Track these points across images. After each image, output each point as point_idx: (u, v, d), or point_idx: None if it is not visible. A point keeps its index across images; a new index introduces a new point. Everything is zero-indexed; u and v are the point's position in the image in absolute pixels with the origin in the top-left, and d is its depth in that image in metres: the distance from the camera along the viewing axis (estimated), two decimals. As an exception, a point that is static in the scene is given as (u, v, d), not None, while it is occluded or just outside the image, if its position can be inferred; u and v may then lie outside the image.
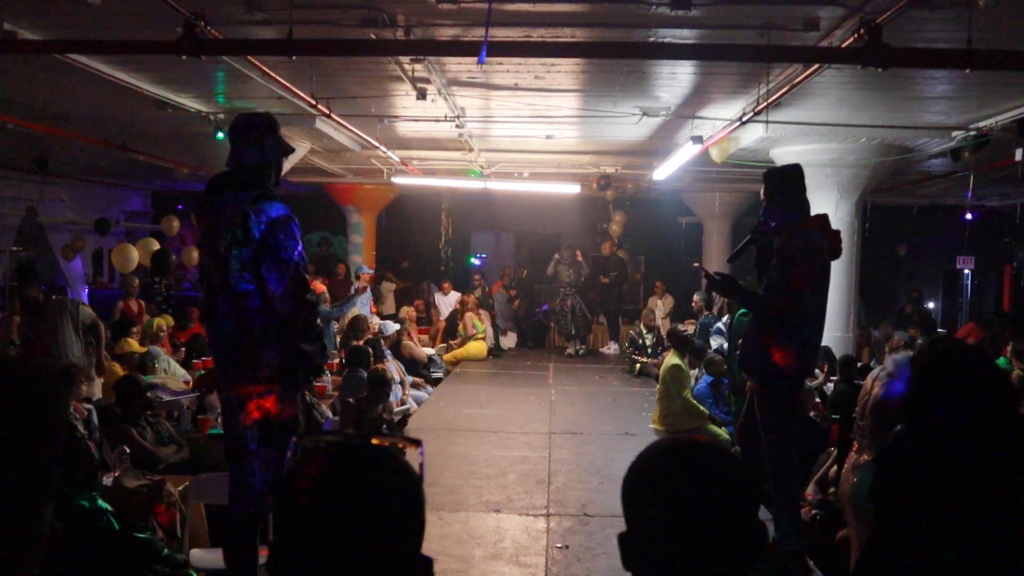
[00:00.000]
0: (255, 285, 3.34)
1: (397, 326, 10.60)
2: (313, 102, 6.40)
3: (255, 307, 3.36)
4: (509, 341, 13.71)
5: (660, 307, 13.94)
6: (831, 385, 7.57)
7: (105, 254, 14.66)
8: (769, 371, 4.49)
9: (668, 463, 1.31)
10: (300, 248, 3.39)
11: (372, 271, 13.35)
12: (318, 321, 3.53)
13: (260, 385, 3.39)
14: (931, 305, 15.08)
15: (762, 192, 4.62)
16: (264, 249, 3.31)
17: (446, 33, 5.25)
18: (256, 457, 3.42)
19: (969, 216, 13.35)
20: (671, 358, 7.70)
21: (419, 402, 8.90)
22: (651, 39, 5.17)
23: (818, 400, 7.14)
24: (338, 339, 10.23)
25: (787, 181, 4.56)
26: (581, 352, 12.85)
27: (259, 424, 3.40)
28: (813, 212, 4.57)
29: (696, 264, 5.52)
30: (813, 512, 5.05)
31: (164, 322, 9.94)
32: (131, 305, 10.29)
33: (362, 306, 12.23)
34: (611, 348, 13.56)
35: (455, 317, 12.70)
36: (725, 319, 8.69)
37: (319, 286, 10.39)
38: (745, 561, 1.27)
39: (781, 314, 4.37)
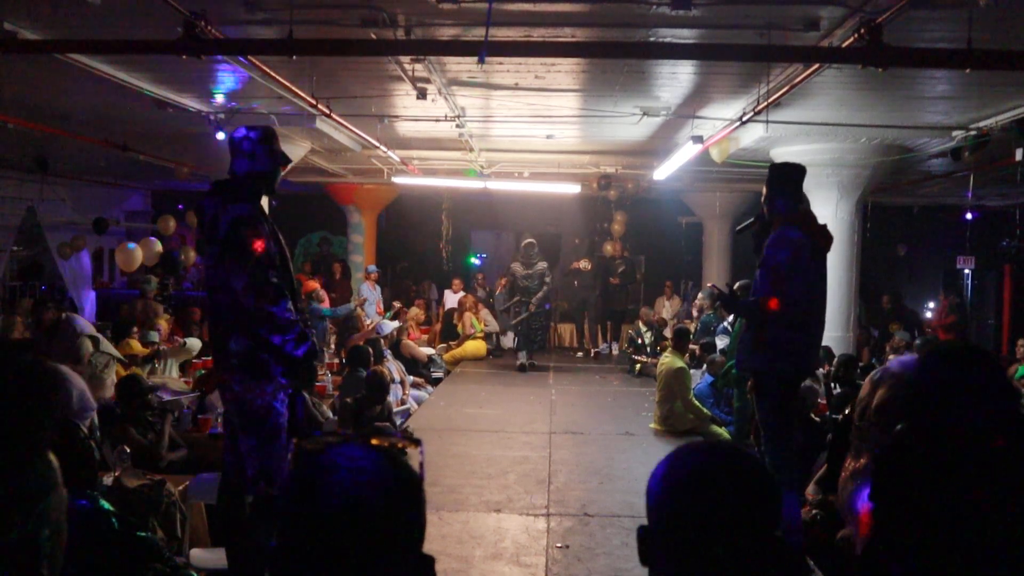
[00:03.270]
0: (223, 280, 3.62)
1: (395, 324, 10.61)
2: (313, 102, 6.40)
3: (224, 300, 3.65)
4: (510, 341, 13.69)
5: (668, 308, 13.89)
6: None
7: (106, 254, 14.66)
8: (763, 370, 4.59)
9: (700, 465, 1.32)
10: (264, 244, 3.60)
11: (378, 270, 13.39)
12: (292, 316, 3.61)
13: (231, 372, 3.66)
14: (931, 305, 15.06)
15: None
16: (227, 245, 3.58)
17: (446, 33, 5.25)
18: (242, 443, 3.68)
19: (969, 216, 13.34)
20: (674, 360, 7.67)
21: (419, 402, 8.90)
22: (651, 39, 5.17)
23: (821, 400, 7.13)
24: (332, 338, 10.26)
25: (781, 177, 4.71)
26: (528, 364, 11.13)
27: (236, 412, 3.69)
28: (814, 212, 4.63)
29: (710, 284, 5.78)
30: (813, 512, 5.04)
31: (162, 321, 9.96)
32: (136, 304, 10.30)
33: (368, 305, 12.27)
34: (603, 346, 13.49)
35: (449, 317, 12.70)
36: (730, 318, 8.69)
37: (312, 284, 10.41)
38: (761, 570, 1.27)
39: (768, 315, 4.47)
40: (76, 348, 7.07)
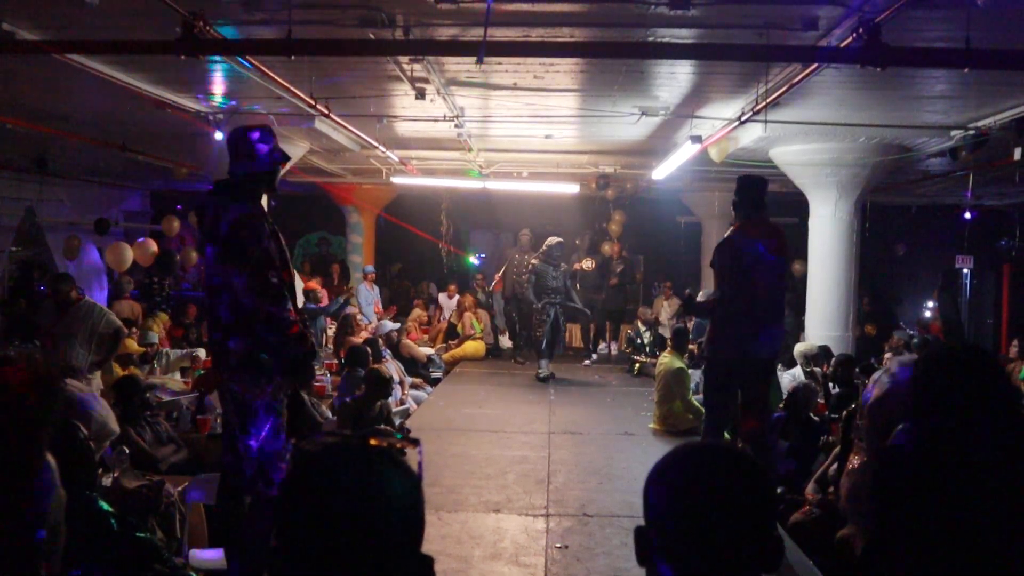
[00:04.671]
0: (223, 280, 3.62)
1: (395, 325, 10.61)
2: (312, 102, 6.40)
3: (224, 300, 3.65)
4: (508, 341, 13.66)
5: (666, 308, 13.81)
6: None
7: (104, 254, 14.64)
8: (708, 356, 5.49)
9: (697, 465, 1.32)
10: (264, 244, 3.62)
11: (375, 271, 13.39)
12: (291, 316, 3.63)
13: (231, 372, 3.67)
14: (930, 304, 15.08)
15: None
16: (227, 246, 3.58)
17: (445, 33, 5.25)
18: (241, 444, 3.69)
19: (968, 215, 13.35)
20: (673, 361, 7.67)
21: (419, 402, 8.90)
22: (650, 39, 5.17)
23: (820, 400, 7.12)
24: (324, 337, 10.26)
25: (741, 187, 5.34)
26: (544, 375, 10.17)
27: (235, 412, 3.69)
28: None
29: (687, 291, 6.32)
30: (813, 512, 5.05)
31: (159, 321, 9.98)
32: (122, 306, 10.24)
33: (366, 305, 12.27)
34: (602, 347, 13.41)
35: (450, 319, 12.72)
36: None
37: (312, 285, 10.42)
38: (759, 570, 1.27)
39: (715, 310, 5.34)
40: (106, 324, 7.07)
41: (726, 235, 5.30)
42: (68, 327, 7.01)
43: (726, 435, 5.83)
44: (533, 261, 10.64)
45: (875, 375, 3.81)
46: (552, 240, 10.65)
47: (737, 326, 5.17)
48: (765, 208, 5.31)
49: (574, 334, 13.90)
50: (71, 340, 6.98)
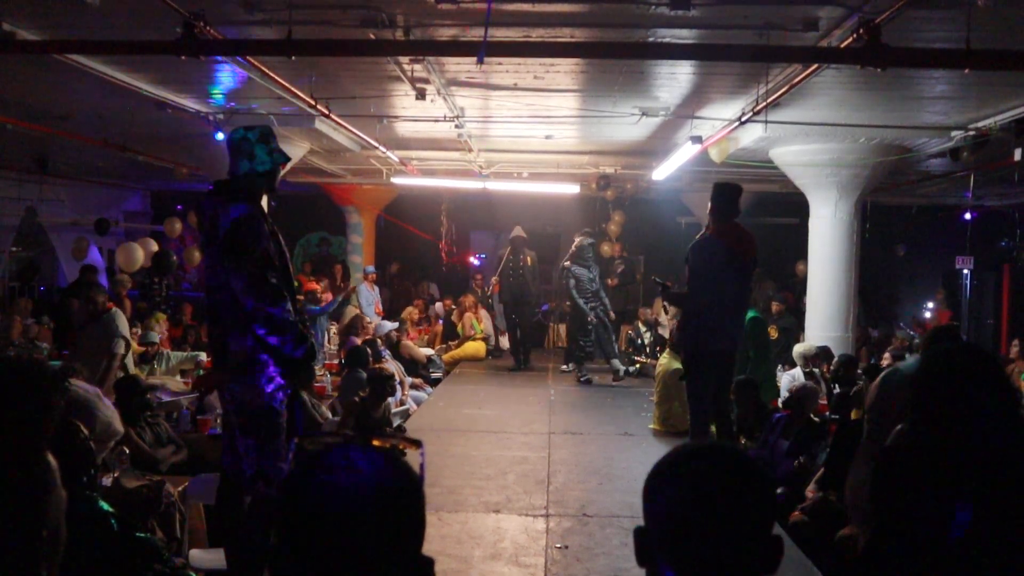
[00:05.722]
0: (222, 280, 3.62)
1: (394, 325, 10.60)
2: (312, 102, 6.40)
3: (224, 301, 3.65)
4: (508, 342, 13.63)
5: (669, 308, 13.75)
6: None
7: (105, 254, 14.65)
8: (682, 347, 6.11)
9: (696, 465, 1.32)
10: (263, 245, 3.61)
11: (376, 271, 13.38)
12: (290, 317, 3.62)
13: (231, 373, 3.67)
14: (930, 305, 15.08)
15: None
16: (227, 246, 3.58)
17: (445, 33, 5.25)
18: (240, 444, 3.68)
19: (968, 216, 13.33)
20: (672, 361, 7.66)
21: (419, 402, 8.90)
22: (650, 39, 5.18)
23: (821, 400, 7.11)
24: (326, 337, 10.25)
25: (716, 195, 5.74)
26: (625, 373, 10.16)
27: (235, 412, 3.69)
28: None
29: (667, 281, 6.48)
30: (812, 511, 5.04)
31: (157, 321, 9.98)
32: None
33: (367, 306, 12.25)
34: None
35: (450, 317, 12.69)
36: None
37: (312, 285, 10.43)
38: (759, 571, 1.27)
39: (682, 303, 5.97)
40: (113, 345, 7.07)
41: (699, 236, 5.82)
42: (96, 333, 7.06)
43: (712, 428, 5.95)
44: (566, 263, 10.24)
45: (880, 375, 3.80)
46: (584, 241, 10.20)
47: (698, 321, 5.67)
48: (737, 213, 5.77)
49: (559, 333, 13.75)
50: (95, 347, 7.03)
